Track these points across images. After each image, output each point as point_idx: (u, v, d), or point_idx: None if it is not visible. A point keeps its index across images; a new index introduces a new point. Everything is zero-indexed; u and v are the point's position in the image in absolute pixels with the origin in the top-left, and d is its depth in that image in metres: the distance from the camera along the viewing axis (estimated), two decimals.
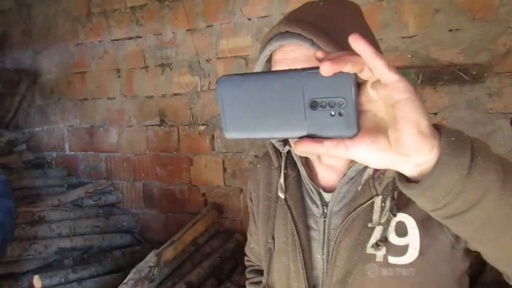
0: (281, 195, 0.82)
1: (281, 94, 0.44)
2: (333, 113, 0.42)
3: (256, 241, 0.96)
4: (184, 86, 2.65)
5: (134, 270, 1.91)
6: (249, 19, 2.42)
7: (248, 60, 2.45)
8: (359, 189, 0.72)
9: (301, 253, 0.77)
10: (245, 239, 2.50)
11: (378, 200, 0.68)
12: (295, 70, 0.44)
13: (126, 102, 2.87)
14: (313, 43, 0.63)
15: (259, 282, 0.95)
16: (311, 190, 0.79)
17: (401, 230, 0.67)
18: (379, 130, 0.43)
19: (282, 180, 0.82)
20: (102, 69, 2.93)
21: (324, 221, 0.76)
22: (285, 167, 0.82)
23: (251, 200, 0.95)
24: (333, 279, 0.72)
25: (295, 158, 0.81)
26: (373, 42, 0.71)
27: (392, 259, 0.67)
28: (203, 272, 2.18)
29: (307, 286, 0.76)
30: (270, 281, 0.86)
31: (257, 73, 0.47)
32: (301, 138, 0.44)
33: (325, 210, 0.76)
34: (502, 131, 1.92)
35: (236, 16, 2.45)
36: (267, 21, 2.37)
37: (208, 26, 2.53)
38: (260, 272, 1.01)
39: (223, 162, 2.61)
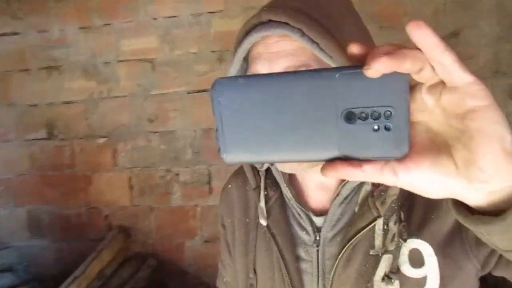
0: (263, 222, 0.67)
1: (305, 102, 0.34)
2: (376, 127, 0.33)
3: (232, 275, 0.79)
4: (78, 92, 2.28)
5: None
6: (154, 19, 2.19)
7: (155, 64, 2.21)
8: (356, 210, 0.61)
9: None
10: (160, 263, 2.24)
11: (379, 222, 0.58)
12: (325, 70, 0.34)
13: (1, 112, 2.37)
14: (303, 34, 0.51)
15: None
16: (299, 214, 0.65)
17: (417, 260, 0.56)
18: (438, 148, 0.33)
19: (262, 203, 0.67)
20: None
21: (317, 250, 0.63)
22: (265, 188, 0.68)
23: (224, 227, 0.78)
24: None
25: (277, 177, 0.67)
26: (365, 37, 0.60)
27: None
28: None
29: None
30: None
31: (269, 75, 0.36)
32: (331, 160, 0.34)
33: (318, 237, 0.63)
34: None
35: (140, 15, 2.19)
36: (175, 21, 2.18)
37: (106, 24, 2.22)
38: None
39: (129, 178, 2.31)
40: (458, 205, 0.36)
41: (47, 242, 2.40)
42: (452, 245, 0.55)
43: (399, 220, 0.57)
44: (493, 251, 0.53)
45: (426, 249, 0.57)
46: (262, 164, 0.68)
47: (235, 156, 0.36)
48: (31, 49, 2.29)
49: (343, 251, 0.59)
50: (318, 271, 0.63)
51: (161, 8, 2.18)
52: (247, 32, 0.57)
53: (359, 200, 0.61)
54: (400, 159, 0.33)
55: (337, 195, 0.62)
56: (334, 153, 0.34)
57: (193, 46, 2.18)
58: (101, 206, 2.34)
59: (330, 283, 0.60)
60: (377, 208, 0.58)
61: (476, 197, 0.33)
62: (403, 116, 0.32)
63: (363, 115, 0.33)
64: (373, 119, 0.33)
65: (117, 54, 2.23)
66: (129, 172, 2.30)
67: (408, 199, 0.59)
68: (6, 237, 2.43)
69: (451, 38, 1.97)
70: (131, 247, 2.31)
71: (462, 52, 1.97)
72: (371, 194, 0.60)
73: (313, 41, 0.52)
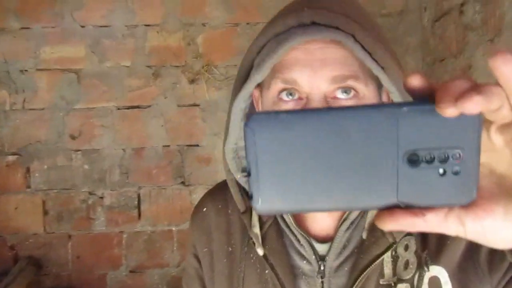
0: (260, 251, 0.59)
1: (360, 142, 0.30)
2: (442, 171, 0.29)
3: None
4: None
5: None
6: (82, 26, 2.00)
7: (81, 75, 2.01)
8: (364, 236, 0.56)
9: None
10: None
11: (400, 250, 0.55)
12: (385, 105, 0.33)
13: None
14: (355, 41, 0.46)
15: None
16: (298, 241, 0.59)
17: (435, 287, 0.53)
18: (508, 193, 0.30)
19: (257, 229, 0.59)
20: None
21: (322, 282, 0.57)
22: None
23: (197, 258, 0.67)
24: None
25: None
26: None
27: None
28: None
29: None
30: None
31: (315, 110, 0.31)
32: (389, 209, 0.30)
33: (322, 267, 0.57)
34: None
35: (65, 21, 1.99)
36: (107, 31, 2.01)
37: (24, 28, 1.97)
38: None
39: (44, 202, 2.03)
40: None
41: None
42: (465, 271, 0.53)
43: (423, 247, 0.54)
44: (505, 275, 0.52)
45: (443, 276, 0.54)
46: None
47: (271, 206, 0.31)
48: None
49: (357, 282, 0.54)
50: None
51: (91, 15, 2.01)
52: (278, 33, 0.50)
53: (366, 225, 0.56)
54: (467, 207, 0.30)
55: (344, 219, 0.57)
56: (393, 201, 0.30)
57: (126, 59, 2.03)
58: (6, 234, 2.02)
59: None
60: (392, 234, 0.54)
61: None
62: (473, 158, 0.29)
63: (429, 157, 0.29)
64: (439, 162, 0.29)
65: (37, 61, 1.99)
66: (43, 195, 2.03)
67: None
68: None
69: None
70: (42, 281, 2.02)
71: None
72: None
73: (365, 50, 0.47)
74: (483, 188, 0.30)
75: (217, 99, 2.07)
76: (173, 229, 2.08)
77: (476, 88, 0.26)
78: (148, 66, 2.04)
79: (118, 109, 2.05)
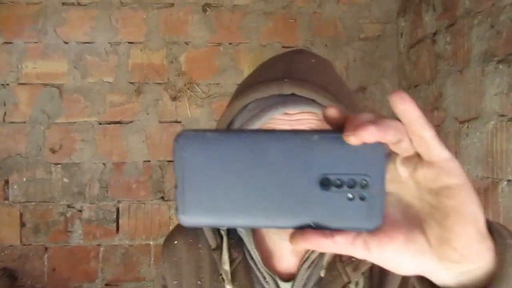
0: (228, 287, 0.62)
1: (277, 164, 0.31)
2: (351, 195, 0.31)
3: None
4: None
5: None
6: (65, 42, 2.03)
7: (62, 90, 2.04)
8: (322, 274, 0.60)
9: None
10: None
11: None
12: (302, 132, 0.32)
13: None
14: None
15: None
16: (264, 278, 0.62)
17: None
18: (411, 223, 0.32)
19: (227, 266, 0.62)
20: None
21: None
22: (228, 249, 0.63)
23: None
24: None
25: (245, 238, 0.63)
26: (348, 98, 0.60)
27: None
28: None
29: None
30: None
31: (241, 131, 0.35)
32: (301, 228, 0.32)
33: None
34: None
35: (48, 36, 2.02)
36: (90, 47, 2.05)
37: (6, 43, 2.00)
38: None
39: (21, 214, 2.04)
40: (424, 282, 0.35)
41: None
42: None
43: (369, 285, 0.58)
44: None
45: None
46: None
47: (194, 219, 0.32)
48: None
49: None
50: None
51: (74, 31, 2.04)
52: (259, 99, 0.54)
53: (325, 264, 0.60)
54: (373, 232, 0.32)
55: (306, 259, 0.61)
56: (305, 221, 0.32)
57: (108, 75, 2.06)
58: None
59: None
60: (347, 274, 0.58)
61: (446, 277, 0.33)
62: (379, 186, 0.31)
63: (339, 182, 0.31)
64: (348, 187, 0.31)
65: (18, 76, 2.01)
66: (21, 207, 2.04)
67: None
68: None
69: (358, 92, 2.15)
70: None
71: (368, 105, 2.16)
72: (338, 258, 0.59)
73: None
74: (390, 216, 0.32)
75: (198, 116, 2.11)
76: (151, 243, 2.10)
77: (375, 120, 0.28)
78: (130, 83, 2.07)
79: (100, 124, 2.07)
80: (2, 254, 2.04)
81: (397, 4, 2.16)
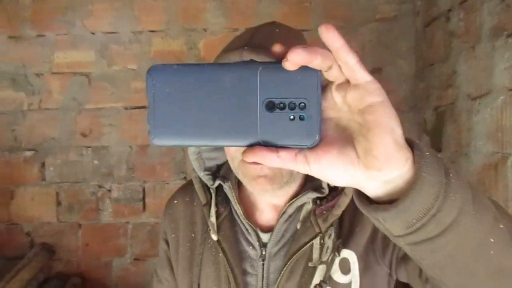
0: (214, 237, 0.70)
1: (231, 91, 0.36)
2: (292, 116, 0.36)
3: None
4: (4, 103, 2.17)
5: None
6: (92, 33, 2.16)
7: (90, 78, 2.18)
8: (298, 226, 0.67)
9: None
10: (84, 282, 2.16)
11: (317, 238, 0.65)
12: (249, 62, 0.37)
13: None
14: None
15: None
16: (247, 230, 0.70)
17: (345, 267, 0.64)
18: (345, 140, 0.37)
19: (213, 219, 0.71)
20: None
21: (263, 264, 0.68)
22: (216, 204, 0.72)
23: (166, 242, 0.80)
24: None
25: (229, 194, 0.71)
26: None
27: None
28: None
29: None
30: None
31: (202, 64, 0.37)
32: (251, 146, 0.37)
33: (263, 252, 0.68)
34: None
35: (76, 28, 2.15)
36: (114, 37, 2.17)
37: (39, 36, 2.15)
38: None
39: (57, 194, 2.22)
40: (360, 196, 0.40)
41: None
42: (368, 254, 0.64)
43: (337, 236, 0.65)
44: (393, 256, 0.61)
45: (352, 257, 0.64)
46: (213, 182, 0.72)
47: (163, 139, 0.37)
48: None
49: (287, 265, 0.65)
50: (262, 284, 0.68)
51: (99, 23, 2.16)
52: None
53: (301, 218, 0.68)
54: (312, 149, 0.36)
55: (283, 213, 0.68)
56: (255, 139, 0.36)
57: (132, 62, 2.18)
58: (23, 223, 2.22)
59: None
60: (319, 225, 0.65)
61: (373, 188, 0.37)
62: (315, 108, 0.36)
63: (281, 105, 0.36)
64: (289, 109, 0.36)
65: (50, 66, 2.16)
66: (57, 187, 2.21)
67: (342, 215, 0.66)
68: None
69: (374, 73, 2.16)
70: (54, 266, 2.21)
71: (384, 86, 2.16)
72: (313, 212, 0.66)
73: None
74: (329, 137, 0.37)
75: None
76: None
77: (306, 46, 0.33)
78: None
79: (125, 109, 2.20)
80: (41, 230, 2.22)
81: None
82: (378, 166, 0.35)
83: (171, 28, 2.17)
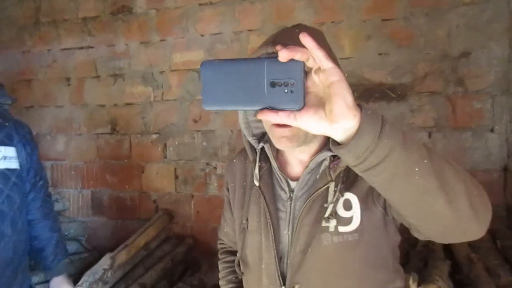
0: (256, 183, 0.95)
1: (249, 76, 0.55)
2: (286, 90, 0.54)
3: (231, 226, 1.09)
4: (137, 96, 2.73)
5: (88, 272, 1.94)
6: (202, 35, 2.58)
7: (199, 73, 2.59)
8: (317, 177, 0.89)
9: (271, 230, 0.91)
10: (195, 243, 2.62)
11: (332, 185, 0.86)
12: (260, 57, 0.58)
13: (76, 110, 2.88)
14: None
15: (232, 261, 1.09)
16: (281, 179, 0.94)
17: (347, 206, 0.85)
18: (320, 105, 0.56)
19: (257, 171, 0.96)
20: (50, 77, 2.91)
21: (290, 203, 0.91)
22: (259, 161, 0.97)
23: (228, 190, 1.07)
24: (297, 249, 0.88)
25: (268, 153, 0.96)
26: (333, 58, 0.86)
27: (341, 228, 0.85)
28: (156, 274, 2.26)
29: (276, 256, 0.90)
30: (244, 255, 0.99)
31: (232, 59, 0.58)
32: (262, 109, 0.56)
33: (291, 195, 0.92)
34: None
35: (189, 32, 2.59)
36: (219, 37, 2.55)
37: (162, 40, 2.65)
38: (231, 253, 1.14)
39: (175, 169, 2.71)
40: (333, 141, 0.61)
41: (106, 219, 2.87)
42: (368, 197, 0.83)
43: (342, 182, 0.85)
44: (385, 200, 0.80)
45: (353, 199, 0.85)
46: (258, 144, 0.97)
47: (210, 106, 0.58)
48: (101, 60, 2.78)
49: (305, 203, 0.87)
50: (289, 218, 0.91)
51: (207, 26, 2.56)
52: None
53: (320, 170, 0.89)
54: (299, 110, 0.55)
55: (306, 167, 0.90)
56: (265, 105, 0.55)
57: None
58: (151, 192, 2.76)
59: (296, 225, 0.88)
60: (330, 175, 0.86)
61: (338, 134, 0.56)
62: (300, 84, 0.54)
63: (280, 83, 0.54)
64: (285, 86, 0.54)
65: (170, 65, 2.64)
66: (175, 163, 2.70)
67: (348, 169, 0.86)
68: (73, 213, 2.94)
69: (462, 58, 2.17)
70: (172, 228, 2.71)
71: (472, 70, 2.16)
72: (328, 166, 0.88)
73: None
74: (310, 103, 0.56)
75: None
76: None
77: (291, 47, 0.53)
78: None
79: None
80: (163, 199, 2.74)
81: None
82: (336, 120, 0.55)
83: (266, 26, 2.47)
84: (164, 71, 2.67)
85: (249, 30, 2.50)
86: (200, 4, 2.57)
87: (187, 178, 2.69)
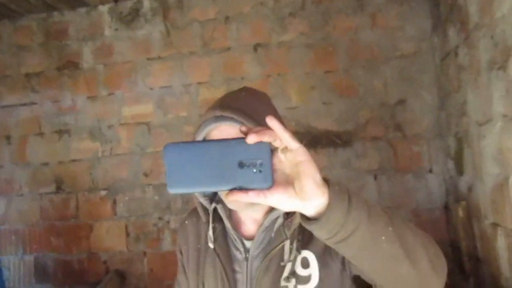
0: (211, 245, 0.95)
1: (217, 157, 0.57)
2: (255, 170, 0.56)
3: None
4: (84, 152, 2.65)
5: None
6: (151, 89, 2.59)
7: (150, 126, 2.59)
8: (272, 235, 0.90)
9: None
10: None
11: (287, 243, 0.88)
12: (228, 139, 0.59)
13: (17, 170, 2.72)
14: (242, 124, 0.80)
15: None
16: (235, 239, 0.94)
17: (305, 264, 0.87)
18: (288, 183, 0.58)
19: (211, 232, 0.96)
20: None
21: (247, 264, 0.92)
22: (212, 221, 0.96)
23: (181, 253, 1.06)
24: None
25: (221, 213, 0.96)
26: (279, 119, 0.92)
27: (300, 287, 0.85)
28: None
29: None
30: None
31: (198, 141, 0.61)
32: (231, 190, 0.57)
33: (247, 255, 0.92)
34: (368, 185, 2.35)
35: (139, 86, 2.60)
36: (168, 90, 2.58)
37: (110, 94, 2.63)
38: None
39: (126, 226, 2.61)
40: (303, 216, 0.63)
41: (50, 286, 2.66)
42: (325, 253, 0.85)
43: (297, 240, 0.87)
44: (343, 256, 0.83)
45: (311, 256, 0.86)
46: (210, 205, 0.97)
47: (175, 189, 0.57)
48: (45, 116, 2.69)
49: (262, 262, 0.88)
50: (247, 279, 0.91)
51: (156, 80, 2.59)
52: (204, 121, 0.87)
53: (275, 229, 0.91)
54: (268, 189, 0.57)
55: (261, 225, 0.91)
56: (234, 186, 0.56)
57: (183, 111, 2.57)
58: (101, 252, 2.62)
59: (255, 285, 0.88)
60: (285, 233, 0.88)
61: (308, 210, 0.59)
62: (268, 164, 0.56)
63: (248, 164, 0.56)
64: (253, 166, 0.56)
65: (119, 118, 2.61)
66: (126, 220, 2.60)
67: (303, 227, 0.87)
68: (14, 283, 2.69)
69: (398, 105, 2.34)
70: None
71: (408, 117, 2.33)
72: (282, 223, 0.90)
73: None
74: (278, 180, 0.58)
75: None
76: None
77: (258, 130, 0.57)
78: (200, 115, 2.54)
79: None
80: (114, 258, 2.61)
81: (430, 22, 2.33)
82: (306, 197, 0.57)
83: (215, 79, 2.54)
84: (112, 125, 2.63)
85: (198, 83, 2.56)
86: (148, 59, 2.61)
87: (139, 234, 2.59)
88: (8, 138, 2.73)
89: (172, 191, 0.57)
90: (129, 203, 2.61)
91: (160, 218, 2.57)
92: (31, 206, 2.69)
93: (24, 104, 2.71)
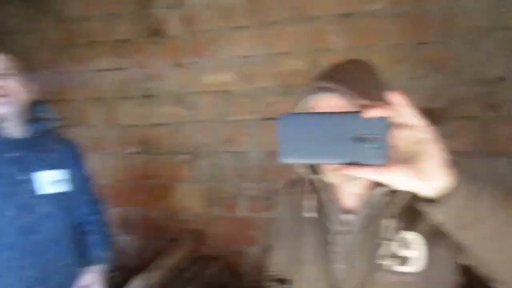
0: (311, 215, 0.97)
1: (332, 129, 0.55)
2: (370, 146, 0.54)
3: (281, 257, 1.08)
4: (168, 116, 2.76)
5: None
6: (234, 57, 2.60)
7: (231, 95, 2.62)
8: (373, 211, 0.89)
9: (327, 264, 0.92)
10: (224, 265, 2.58)
11: (388, 221, 0.86)
12: (343, 112, 0.57)
13: (107, 130, 2.92)
14: (350, 98, 0.80)
15: None
16: (333, 212, 0.95)
17: (405, 244, 0.84)
18: (406, 161, 0.56)
19: (310, 202, 0.97)
20: (84, 97, 2.96)
21: (345, 237, 0.92)
22: (311, 192, 0.98)
23: (278, 222, 1.09)
24: (352, 285, 0.88)
25: (318, 185, 0.97)
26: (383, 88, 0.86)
27: (398, 268, 0.83)
28: None
29: None
30: (298, 287, 0.99)
31: (313, 113, 0.60)
32: (346, 164, 0.56)
33: (346, 228, 0.92)
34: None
35: (222, 54, 2.62)
36: (250, 60, 2.57)
37: (193, 62, 2.68)
38: (281, 281, 1.11)
39: (204, 190, 2.71)
40: (416, 196, 0.60)
41: (132, 238, 2.88)
42: (430, 236, 0.82)
43: (399, 219, 0.85)
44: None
45: (413, 237, 0.83)
46: (314, 174, 0.97)
47: (289, 159, 0.57)
48: (133, 81, 2.82)
49: (361, 238, 0.88)
50: (343, 252, 0.91)
51: (238, 48, 2.59)
52: (308, 92, 0.86)
53: (377, 205, 0.89)
54: (383, 166, 0.54)
55: (362, 200, 0.90)
56: (348, 160, 0.55)
57: (265, 81, 2.56)
58: (179, 212, 2.77)
59: (351, 261, 0.88)
60: (387, 210, 0.86)
61: (426, 192, 0.56)
62: (385, 141, 0.53)
63: (363, 138, 0.54)
64: (369, 141, 0.54)
65: (202, 86, 2.67)
66: (204, 184, 2.71)
67: (408, 205, 0.85)
68: None
69: (497, 83, 2.16)
70: (200, 249, 2.69)
71: (508, 96, 2.14)
72: (386, 201, 0.87)
73: (350, 101, 0.80)
74: (395, 158, 0.55)
75: None
76: None
77: (377, 104, 0.53)
78: (279, 86, 2.53)
79: (259, 120, 2.59)
80: (192, 219, 2.75)
81: None
82: (428, 179, 0.55)
83: (299, 49, 2.48)
84: (195, 92, 2.69)
85: (281, 53, 2.52)
86: (231, 28, 2.60)
87: (217, 199, 2.69)
88: (100, 99, 2.92)
89: (284, 160, 0.57)
90: (208, 168, 2.70)
91: (237, 185, 2.64)
92: (119, 163, 2.89)
93: (113, 69, 2.86)
